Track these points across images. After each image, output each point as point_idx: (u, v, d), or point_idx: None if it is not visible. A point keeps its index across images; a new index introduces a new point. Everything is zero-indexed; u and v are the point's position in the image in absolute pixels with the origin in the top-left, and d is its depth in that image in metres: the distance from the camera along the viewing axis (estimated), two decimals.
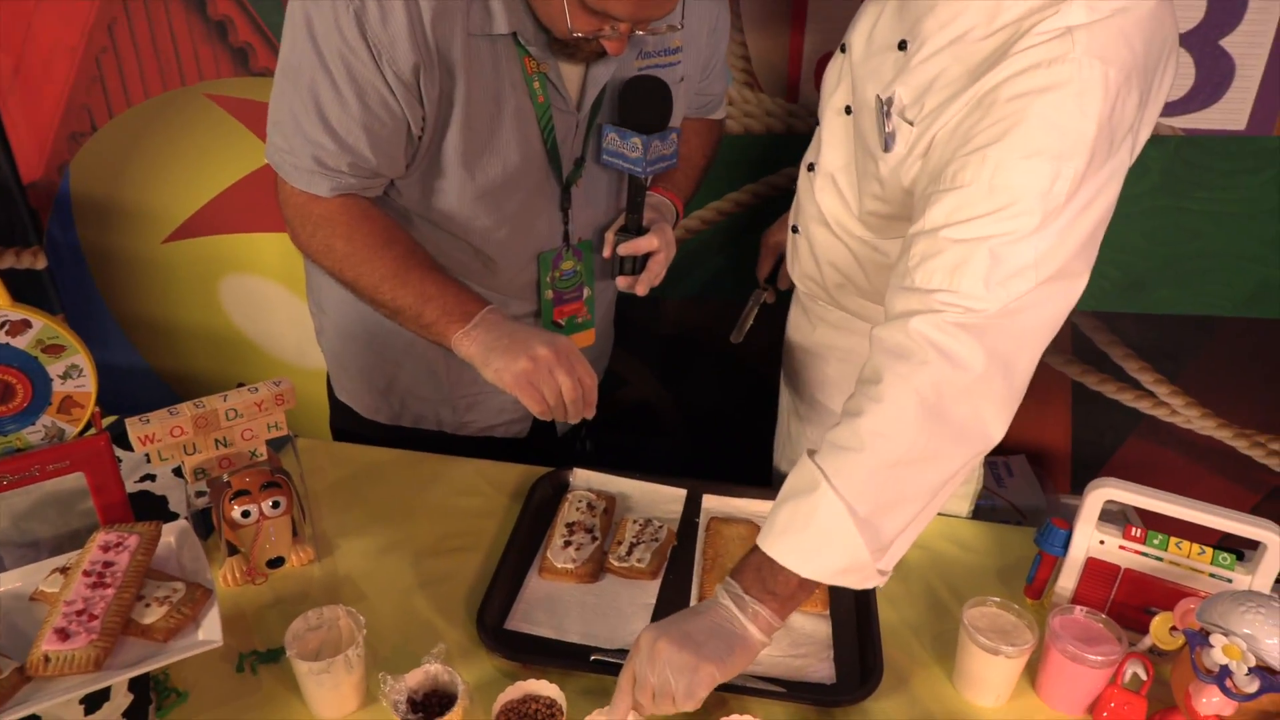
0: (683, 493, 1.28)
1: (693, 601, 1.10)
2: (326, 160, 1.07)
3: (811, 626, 1.07)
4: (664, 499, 1.27)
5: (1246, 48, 1.58)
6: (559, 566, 1.12)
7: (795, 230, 1.31)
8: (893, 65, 1.03)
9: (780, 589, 0.90)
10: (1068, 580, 1.07)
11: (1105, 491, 1.02)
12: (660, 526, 1.19)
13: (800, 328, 1.43)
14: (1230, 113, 1.64)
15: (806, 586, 0.90)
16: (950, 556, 1.21)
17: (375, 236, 1.12)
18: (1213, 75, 1.60)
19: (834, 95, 1.17)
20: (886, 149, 1.01)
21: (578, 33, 1.01)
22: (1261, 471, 1.99)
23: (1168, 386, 1.94)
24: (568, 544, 1.15)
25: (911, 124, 0.98)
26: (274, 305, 2.07)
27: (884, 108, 1.00)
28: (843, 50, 1.18)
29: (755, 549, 0.92)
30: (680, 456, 2.15)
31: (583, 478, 1.29)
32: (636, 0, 0.97)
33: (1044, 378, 1.97)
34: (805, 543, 0.88)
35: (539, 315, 1.31)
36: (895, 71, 1.01)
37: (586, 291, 1.33)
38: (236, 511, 1.01)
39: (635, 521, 1.20)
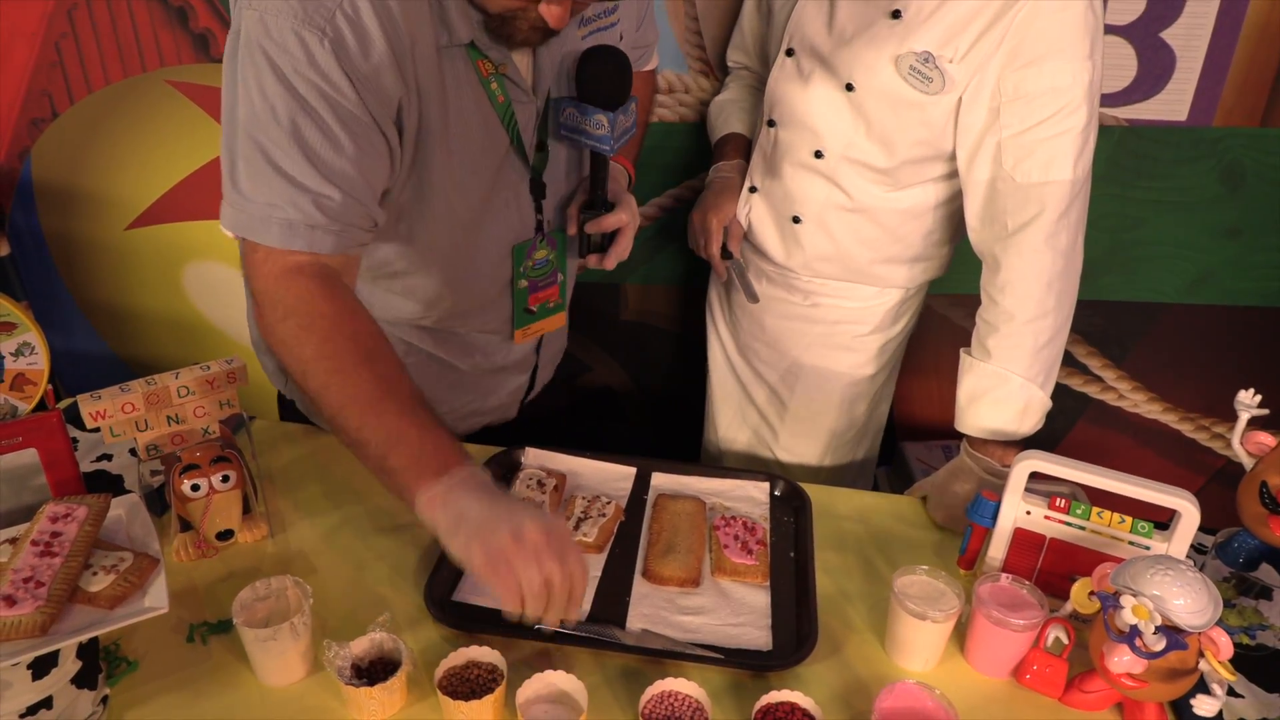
0: (632, 470, 1.31)
1: (637, 575, 1.13)
2: (318, 209, 0.96)
3: (751, 597, 1.11)
4: (614, 477, 1.30)
5: (1186, 40, 1.63)
6: None
7: (797, 220, 1.39)
8: (893, 31, 1.21)
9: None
10: (997, 551, 1.11)
11: (1030, 464, 1.06)
12: (608, 502, 1.22)
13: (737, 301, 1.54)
14: (1171, 104, 1.69)
15: None
16: (890, 531, 1.25)
17: (356, 344, 0.97)
18: (1154, 67, 1.65)
19: (810, 89, 1.30)
20: (939, 91, 1.21)
21: (508, 6, 0.96)
22: (1206, 454, 2.05)
23: (1114, 371, 1.99)
24: None
25: (952, 61, 1.18)
26: (237, 291, 2.05)
27: (929, 60, 1.19)
28: (790, 54, 1.30)
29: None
30: (637, 440, 2.18)
31: (534, 457, 1.32)
32: None
33: None
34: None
35: (512, 306, 1.31)
36: (904, 34, 1.20)
37: (560, 276, 1.34)
38: (186, 485, 1.03)
39: (584, 498, 1.23)
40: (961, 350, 1.28)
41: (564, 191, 1.28)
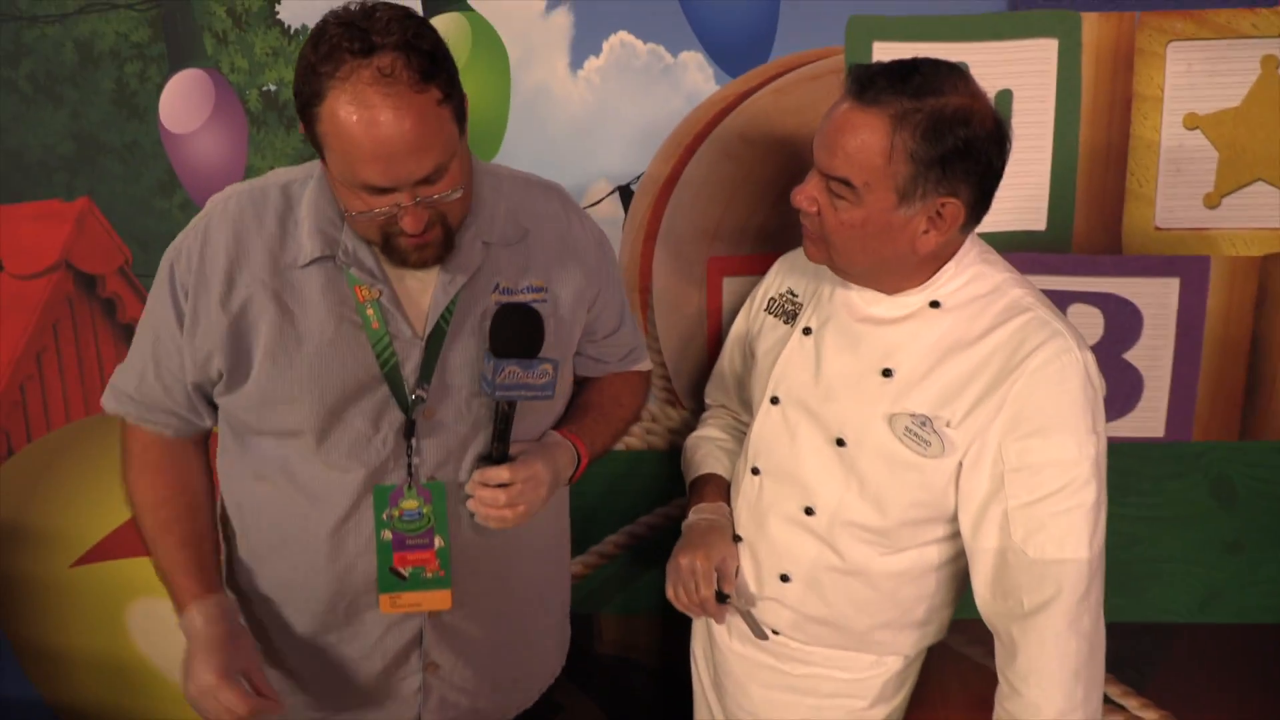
0: None
1: None
2: (129, 385, 1.21)
3: None
4: None
5: (1150, 361, 1.63)
6: None
7: (785, 579, 1.28)
8: (884, 390, 1.17)
9: None
10: None
11: None
12: None
13: (732, 648, 1.40)
14: (1146, 421, 1.66)
15: None
16: None
17: (157, 490, 1.22)
18: (1121, 387, 1.64)
19: (797, 441, 1.25)
20: (938, 455, 1.15)
21: (358, 212, 1.03)
22: None
23: (1137, 699, 1.81)
24: None
25: (950, 425, 1.13)
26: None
27: (926, 424, 1.15)
28: (775, 402, 1.25)
29: None
30: None
31: None
32: (383, 163, 0.97)
33: (958, 673, 1.84)
34: None
35: (377, 562, 1.18)
36: (897, 394, 1.16)
37: (439, 541, 1.18)
38: None
39: None
40: None
41: (456, 446, 1.18)
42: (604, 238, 1.32)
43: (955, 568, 1.26)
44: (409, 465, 1.16)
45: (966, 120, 1.04)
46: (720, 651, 1.40)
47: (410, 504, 1.17)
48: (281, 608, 1.25)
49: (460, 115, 1.04)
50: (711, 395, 1.57)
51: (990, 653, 1.82)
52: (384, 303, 1.12)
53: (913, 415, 1.15)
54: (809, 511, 1.24)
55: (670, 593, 1.33)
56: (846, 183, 1.08)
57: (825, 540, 1.24)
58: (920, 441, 1.15)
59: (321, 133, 0.99)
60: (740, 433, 1.49)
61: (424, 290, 1.14)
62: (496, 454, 1.17)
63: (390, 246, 1.07)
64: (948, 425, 1.14)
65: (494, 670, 1.31)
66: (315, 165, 1.15)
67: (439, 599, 1.20)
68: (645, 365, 1.45)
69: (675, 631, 1.86)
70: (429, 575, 1.19)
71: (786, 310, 1.34)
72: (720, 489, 1.41)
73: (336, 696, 1.26)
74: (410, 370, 1.14)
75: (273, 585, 1.25)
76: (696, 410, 1.65)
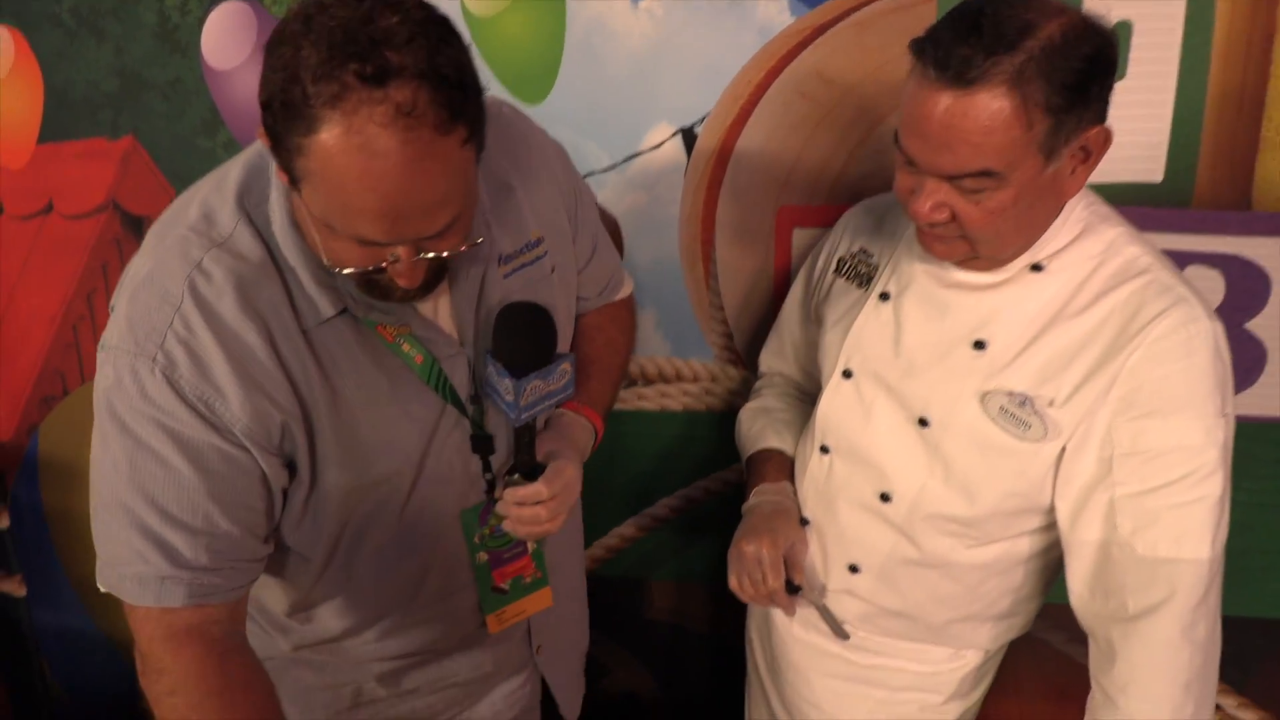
0: None
1: None
2: (165, 558, 0.86)
3: None
4: None
5: (1275, 331, 1.44)
6: None
7: (854, 570, 1.17)
8: (976, 365, 1.04)
9: None
10: None
11: None
12: None
13: (793, 634, 1.30)
14: (1266, 398, 1.48)
15: None
16: None
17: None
18: (1241, 359, 1.45)
19: (873, 420, 1.12)
20: (1038, 439, 1.01)
21: (344, 268, 0.82)
22: None
23: (1235, 698, 1.66)
24: None
25: (1053, 405, 1.00)
26: None
27: (1026, 404, 1.02)
28: (847, 375, 1.13)
29: None
30: None
31: None
32: (389, 220, 0.77)
33: (1084, 681, 1.71)
34: None
35: (477, 587, 1.11)
36: (991, 369, 1.03)
37: (531, 545, 1.13)
38: None
39: None
40: None
41: (509, 439, 1.08)
42: (560, 148, 1.14)
43: (1048, 559, 1.14)
44: (488, 482, 1.08)
45: (1072, 39, 0.87)
46: (779, 636, 1.31)
47: (497, 520, 1.10)
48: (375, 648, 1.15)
49: (480, 148, 0.83)
50: (767, 362, 1.44)
51: (1074, 639, 1.70)
52: (418, 333, 0.96)
53: (1010, 394, 1.02)
54: (885, 498, 1.12)
55: (734, 583, 1.22)
56: (986, 173, 0.92)
57: (902, 530, 1.12)
58: (1018, 423, 1.02)
59: (305, 168, 0.77)
60: (800, 402, 1.37)
61: (433, 303, 1.00)
62: (524, 467, 1.07)
63: (374, 291, 0.88)
64: (1050, 405, 1.00)
65: (575, 636, 1.33)
66: (259, 166, 0.92)
67: (540, 599, 1.18)
68: (627, 288, 1.30)
69: (729, 600, 1.77)
70: (527, 581, 1.16)
71: (860, 273, 1.20)
72: (783, 467, 1.29)
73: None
74: (461, 384, 1.02)
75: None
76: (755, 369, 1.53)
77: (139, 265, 0.90)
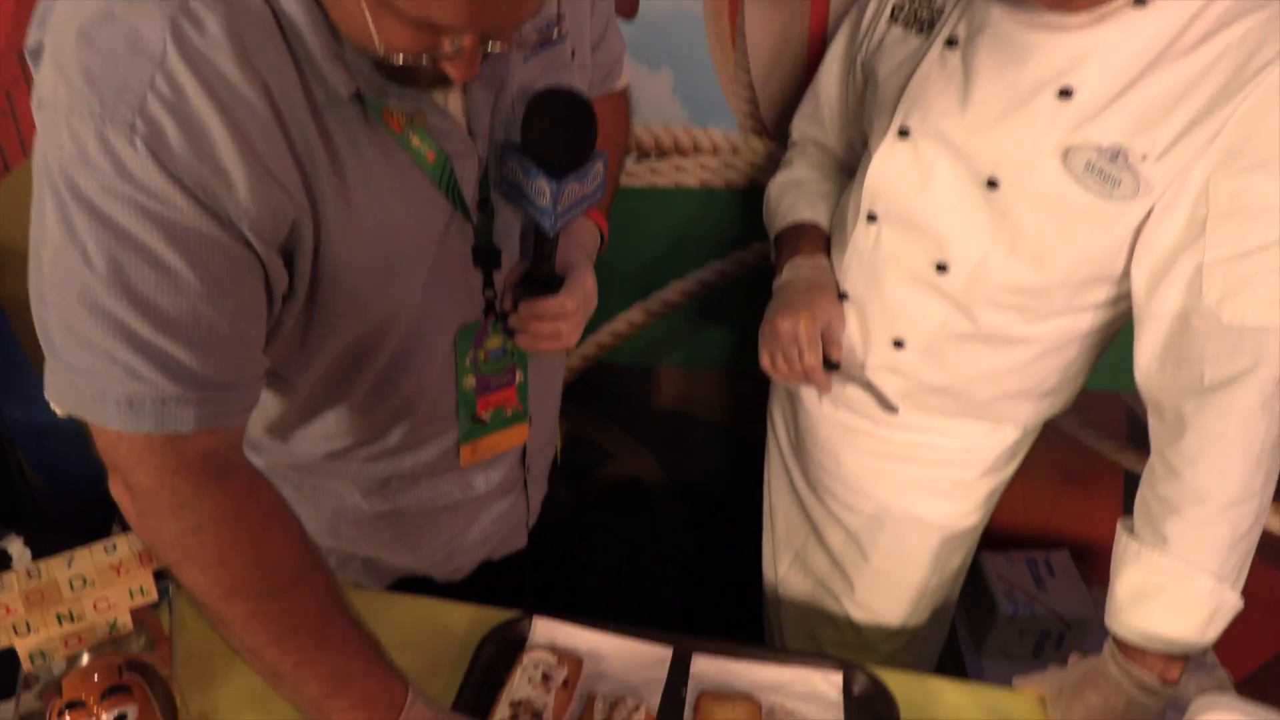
0: (666, 654, 1.03)
1: None
2: (165, 374, 0.70)
3: None
4: (643, 662, 1.03)
5: None
6: None
7: (899, 345, 1.10)
8: (1060, 115, 0.93)
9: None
10: None
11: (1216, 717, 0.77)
12: (636, 707, 0.94)
13: (821, 411, 1.24)
14: None
15: None
16: None
17: (287, 560, 0.77)
18: None
19: (933, 183, 1.01)
20: (1128, 197, 0.92)
21: (396, 52, 0.68)
22: None
23: None
24: None
25: (1147, 159, 0.90)
26: None
27: (1119, 157, 0.91)
28: (904, 135, 1.02)
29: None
30: (674, 541, 1.91)
31: (544, 632, 1.05)
32: (475, 3, 0.64)
33: (1093, 466, 1.72)
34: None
35: (457, 414, 1.01)
36: (1078, 119, 0.92)
37: (519, 376, 1.04)
38: None
39: (604, 699, 0.95)
40: (1120, 527, 0.98)
41: (519, 257, 0.98)
42: None
43: (1106, 334, 1.07)
44: (489, 301, 0.95)
45: None
46: (806, 415, 1.26)
47: (494, 342, 0.99)
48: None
49: None
50: (800, 128, 1.31)
51: (1085, 423, 1.70)
52: (432, 124, 0.81)
53: (1100, 147, 0.91)
54: (941, 268, 1.03)
55: (765, 361, 1.15)
56: None
57: (958, 303, 1.04)
58: (1105, 180, 0.91)
59: None
60: (837, 174, 1.25)
61: (445, 92, 0.83)
62: (544, 276, 0.94)
63: (402, 73, 0.74)
64: (1144, 159, 0.90)
65: (547, 465, 1.23)
66: None
67: (516, 434, 1.08)
68: (625, 78, 1.15)
69: (739, 387, 1.74)
70: (508, 414, 1.06)
71: (920, 17, 1.06)
72: (818, 240, 1.19)
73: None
74: (468, 185, 0.87)
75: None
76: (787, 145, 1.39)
77: None
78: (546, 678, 0.97)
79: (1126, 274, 0.96)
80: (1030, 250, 0.97)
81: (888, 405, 1.14)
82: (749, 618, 1.67)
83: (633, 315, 1.66)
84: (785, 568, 1.36)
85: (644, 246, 1.59)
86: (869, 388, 1.15)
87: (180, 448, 0.73)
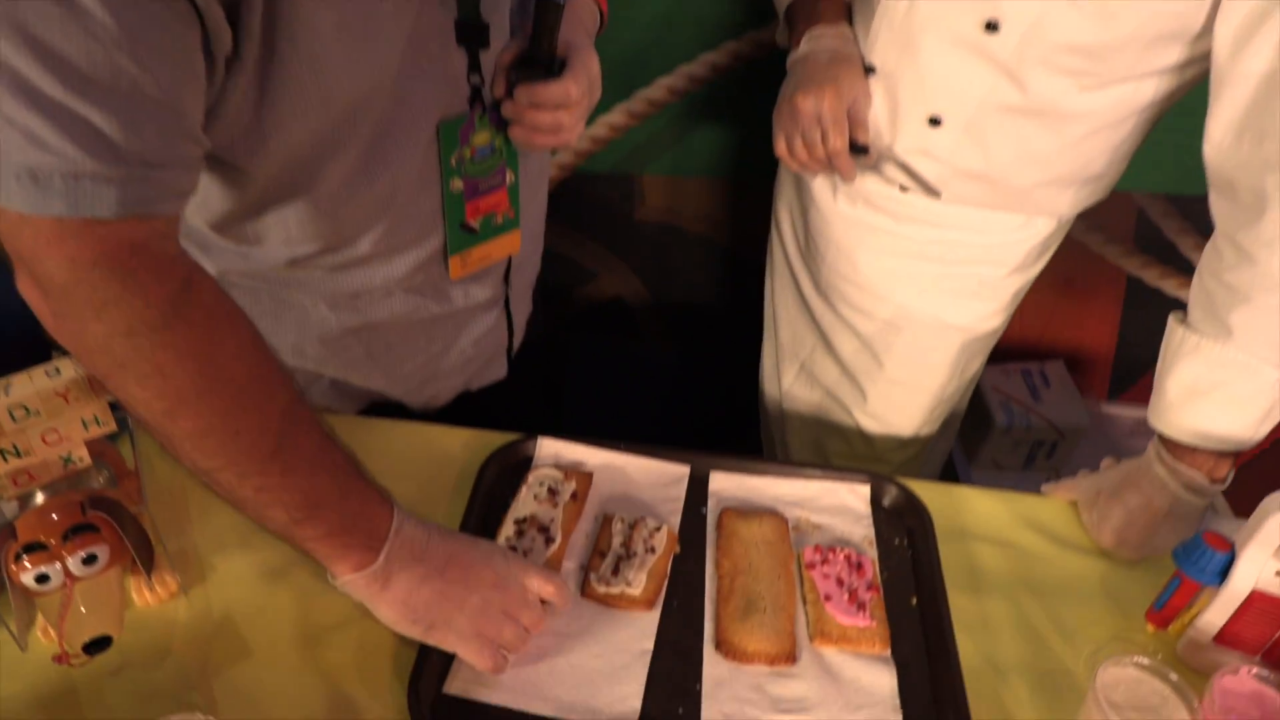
0: (684, 471, 0.96)
1: (708, 647, 0.80)
2: (77, 145, 0.56)
3: (870, 676, 0.79)
4: (659, 480, 0.96)
5: None
6: None
7: (935, 123, 0.98)
8: None
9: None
10: (1217, 615, 0.79)
11: None
12: (656, 528, 0.88)
13: (837, 209, 1.13)
14: None
15: None
16: (1039, 557, 0.92)
17: (242, 366, 0.66)
18: None
19: None
20: None
21: None
22: None
23: None
24: (513, 548, 0.85)
25: None
26: None
27: None
28: None
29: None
30: (660, 361, 1.83)
31: (551, 451, 0.97)
32: None
33: (1094, 271, 1.66)
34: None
35: (444, 221, 0.89)
36: None
37: (510, 176, 0.92)
38: (29, 575, 0.67)
39: (623, 520, 0.89)
40: (1173, 321, 0.91)
41: (508, 36, 0.85)
42: None
43: (1163, 110, 0.97)
44: (474, 89, 0.81)
45: None
46: (819, 213, 1.15)
47: (482, 138, 0.85)
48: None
49: None
50: None
51: (1092, 227, 1.62)
52: None
53: None
54: (991, 27, 0.90)
55: (781, 146, 1.03)
56: None
57: (1007, 68, 0.92)
58: None
59: None
60: None
61: None
62: (544, 56, 0.80)
63: None
64: None
65: (532, 277, 1.12)
66: None
67: (508, 243, 0.96)
68: None
69: (732, 197, 1.62)
70: (499, 221, 0.94)
71: None
72: (839, 6, 1.05)
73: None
74: None
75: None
76: None
77: None
78: (553, 492, 0.90)
79: (1206, 31, 0.85)
80: (1097, 1, 0.85)
81: (929, 189, 1.03)
82: (743, 438, 1.63)
83: (614, 118, 1.51)
84: (790, 380, 1.29)
85: (625, 37, 1.42)
86: (904, 169, 1.03)
87: (100, 235, 0.60)
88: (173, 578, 0.81)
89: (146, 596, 0.80)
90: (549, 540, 0.87)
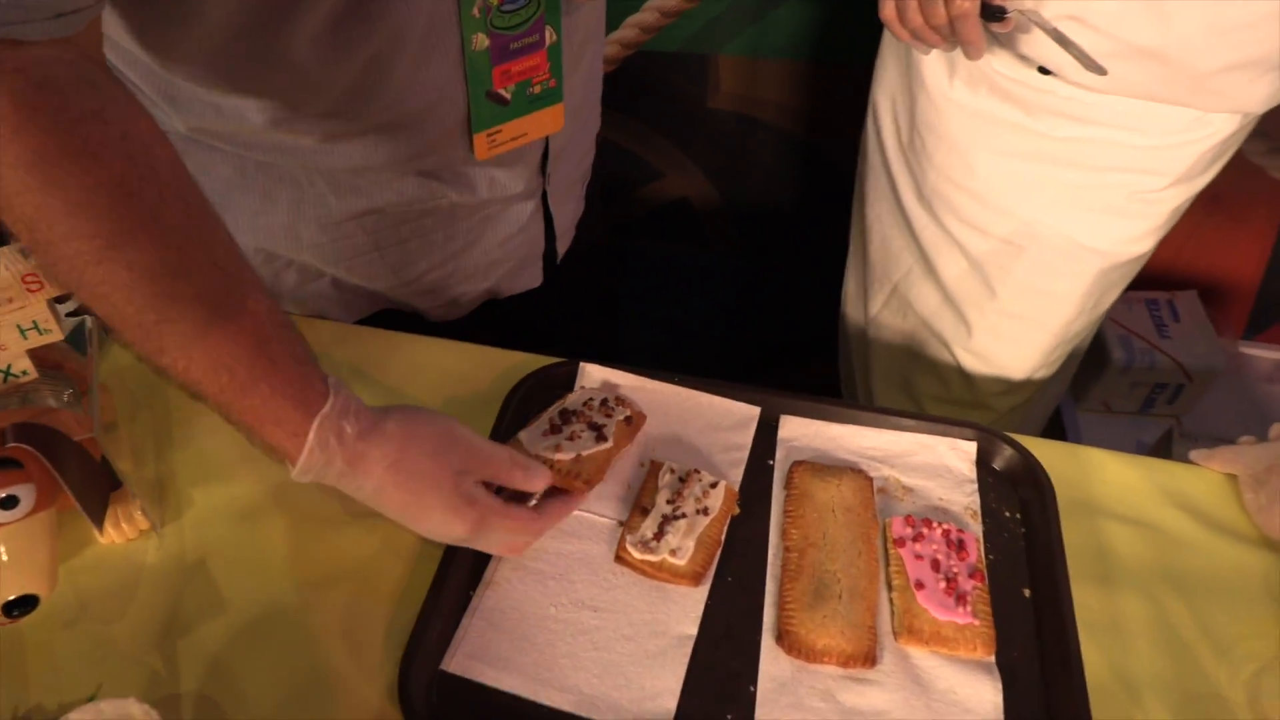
0: (753, 414, 0.80)
1: (766, 638, 0.66)
2: None
3: (969, 688, 0.63)
4: (721, 423, 0.80)
5: None
6: (534, 453, 0.71)
7: None
8: None
9: None
10: None
11: None
12: (713, 484, 0.72)
13: (953, 97, 0.93)
14: None
15: None
16: (1183, 540, 0.74)
17: (161, 196, 0.53)
18: None
19: None
20: None
21: None
22: None
23: None
24: (554, 430, 0.73)
25: None
26: None
27: None
28: None
29: None
30: (726, 272, 1.66)
31: (596, 378, 0.82)
32: None
33: (1249, 186, 1.42)
34: None
35: (466, 87, 0.72)
36: None
37: (550, 35, 0.74)
38: None
39: (674, 472, 0.73)
40: None
41: None
42: None
43: None
44: None
45: None
46: (930, 101, 0.94)
47: None
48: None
49: None
50: None
51: (1256, 132, 1.37)
52: None
53: None
54: None
55: (889, 8, 0.84)
56: None
57: None
58: None
59: None
60: None
61: None
62: None
63: None
64: None
65: (583, 165, 0.97)
66: None
67: (549, 119, 0.79)
68: None
69: (818, 83, 1.41)
70: (536, 89, 0.76)
71: None
72: None
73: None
74: None
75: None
76: None
77: None
78: (607, 405, 0.76)
79: None
80: None
81: (1092, 65, 0.82)
82: (817, 370, 1.46)
83: None
84: (879, 306, 1.10)
85: None
86: (1067, 43, 0.81)
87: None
88: (141, 513, 0.69)
89: (111, 534, 0.68)
90: (600, 438, 0.72)
